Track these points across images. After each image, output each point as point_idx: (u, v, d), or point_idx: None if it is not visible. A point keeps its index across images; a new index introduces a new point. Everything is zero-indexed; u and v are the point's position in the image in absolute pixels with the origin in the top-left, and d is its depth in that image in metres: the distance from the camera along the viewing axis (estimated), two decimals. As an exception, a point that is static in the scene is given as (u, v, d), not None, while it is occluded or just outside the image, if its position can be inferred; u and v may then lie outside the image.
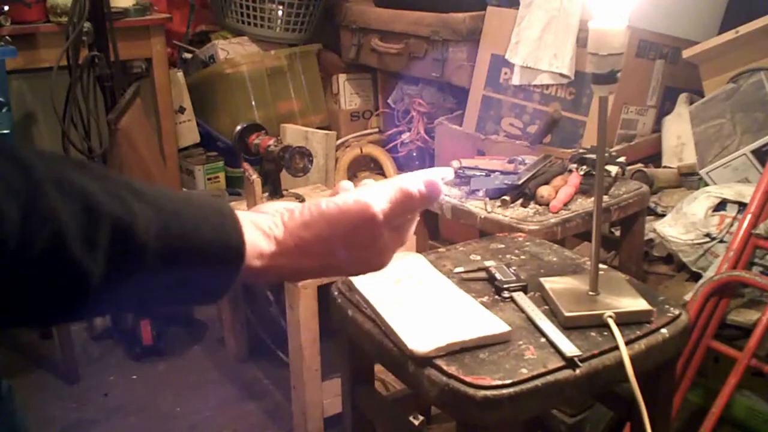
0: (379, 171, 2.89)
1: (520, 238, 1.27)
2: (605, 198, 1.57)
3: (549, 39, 2.17)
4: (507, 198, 1.56)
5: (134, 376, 2.25)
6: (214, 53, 2.90)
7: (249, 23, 2.87)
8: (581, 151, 1.70)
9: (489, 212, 1.54)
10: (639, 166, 1.99)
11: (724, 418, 1.47)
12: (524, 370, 0.86)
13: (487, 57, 2.36)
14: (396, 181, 0.69)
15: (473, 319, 0.94)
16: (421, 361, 0.89)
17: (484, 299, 1.03)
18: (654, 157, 2.17)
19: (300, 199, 2.26)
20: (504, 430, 0.89)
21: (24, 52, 2.25)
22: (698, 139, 1.96)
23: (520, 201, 1.58)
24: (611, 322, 0.93)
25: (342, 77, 3.00)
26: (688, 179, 2.00)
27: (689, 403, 1.56)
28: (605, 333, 0.93)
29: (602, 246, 1.82)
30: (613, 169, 1.65)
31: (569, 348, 0.89)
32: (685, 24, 2.19)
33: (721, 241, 1.65)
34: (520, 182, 1.59)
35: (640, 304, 0.98)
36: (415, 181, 0.69)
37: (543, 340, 0.93)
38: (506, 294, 1.04)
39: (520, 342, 0.92)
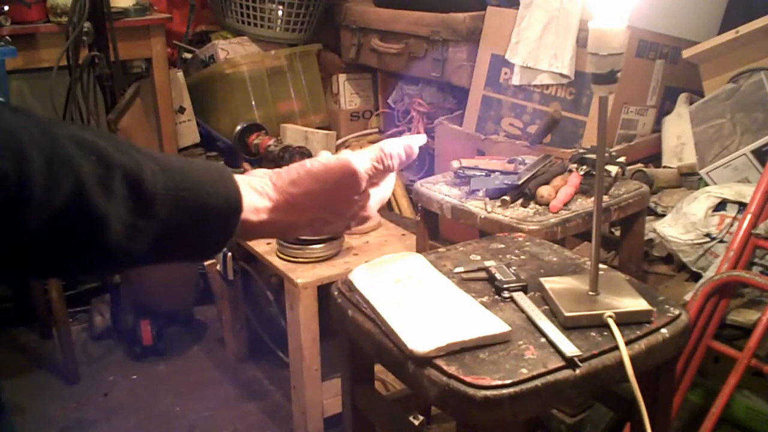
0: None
1: (520, 238, 1.27)
2: (605, 198, 1.57)
3: (549, 39, 2.17)
4: (507, 198, 1.56)
5: (134, 376, 2.26)
6: (214, 53, 2.90)
7: (249, 23, 2.87)
8: (581, 151, 1.69)
9: (489, 212, 1.54)
10: (639, 166, 1.99)
11: (724, 418, 1.47)
12: (524, 370, 0.86)
13: (487, 57, 2.36)
14: (376, 145, 0.77)
15: (473, 319, 0.94)
16: (421, 361, 0.89)
17: (484, 299, 1.03)
18: (654, 157, 2.17)
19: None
20: (504, 430, 0.88)
21: (24, 52, 2.25)
22: (698, 139, 1.96)
23: (520, 201, 1.58)
24: (611, 322, 0.93)
25: (342, 77, 3.00)
26: (688, 179, 2.00)
27: (689, 403, 1.56)
28: (605, 333, 0.93)
29: (602, 246, 1.82)
30: (613, 169, 1.64)
31: (569, 348, 0.89)
32: (685, 24, 2.19)
33: (721, 241, 1.65)
34: (520, 182, 1.59)
35: (640, 304, 0.98)
36: (393, 143, 0.78)
37: (543, 340, 0.93)
38: (506, 294, 1.04)
39: (520, 342, 0.92)
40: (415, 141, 0.82)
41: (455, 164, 1.70)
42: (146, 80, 2.69)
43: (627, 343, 0.92)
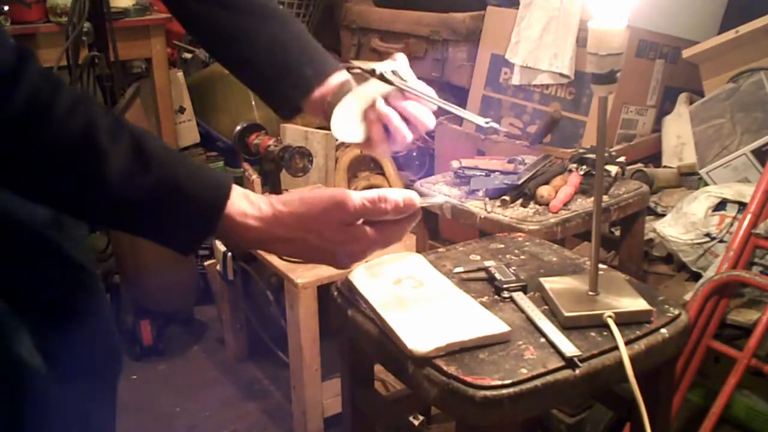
0: (379, 171, 2.88)
1: (520, 238, 1.27)
2: (605, 198, 1.57)
3: (549, 39, 2.17)
4: (507, 198, 1.56)
5: (134, 376, 2.25)
6: (214, 53, 2.89)
7: (249, 23, 2.86)
8: (581, 151, 1.69)
9: (489, 212, 1.54)
10: (639, 166, 1.99)
11: (724, 418, 1.47)
12: (524, 370, 0.86)
13: (487, 57, 2.36)
14: (384, 188, 0.83)
15: (473, 319, 0.94)
16: (420, 361, 0.89)
17: (484, 299, 1.03)
18: (654, 157, 2.17)
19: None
20: (504, 430, 0.88)
21: (24, 52, 2.25)
22: (698, 139, 1.96)
23: (519, 201, 1.58)
24: (611, 322, 0.93)
25: (342, 77, 2.99)
26: (688, 179, 2.00)
27: (689, 403, 1.56)
28: (605, 333, 0.93)
29: (602, 246, 1.82)
30: (613, 169, 1.64)
31: (569, 348, 0.89)
32: (685, 24, 2.19)
33: (721, 241, 1.65)
34: (520, 182, 1.59)
35: (640, 304, 0.98)
36: (397, 192, 0.81)
37: (543, 340, 0.93)
38: (506, 294, 1.04)
39: (520, 342, 0.92)
40: (426, 200, 0.89)
41: (455, 164, 1.70)
42: (146, 80, 2.69)
43: (627, 343, 0.92)
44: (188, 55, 2.98)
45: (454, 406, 0.87)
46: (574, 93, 2.17)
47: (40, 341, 1.01)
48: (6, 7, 2.31)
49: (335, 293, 1.10)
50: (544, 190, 1.56)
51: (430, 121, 0.93)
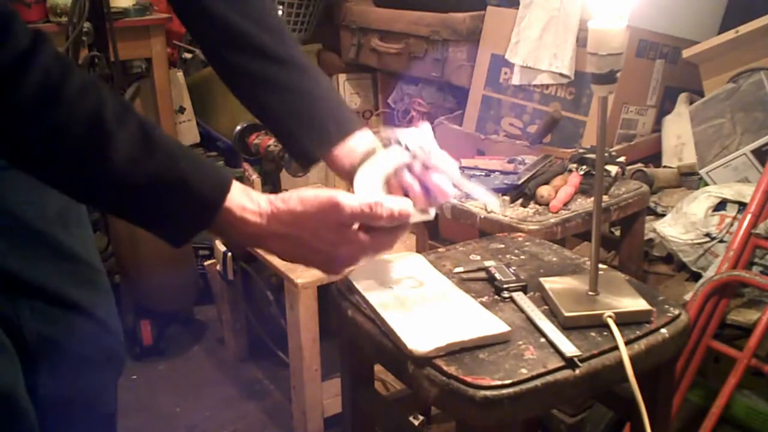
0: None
1: (520, 238, 1.27)
2: (605, 198, 1.57)
3: (549, 39, 2.17)
4: (507, 198, 1.56)
5: (134, 376, 2.25)
6: (214, 53, 2.89)
7: (249, 23, 2.86)
8: (581, 151, 1.70)
9: (489, 212, 1.54)
10: (639, 166, 1.99)
11: (724, 418, 1.47)
12: (524, 370, 0.86)
13: (487, 57, 2.36)
14: (384, 195, 0.87)
15: (473, 319, 0.94)
16: (420, 361, 0.89)
17: (484, 299, 1.03)
18: (654, 157, 2.17)
19: None
20: (504, 430, 0.88)
21: (24, 52, 2.25)
22: (698, 139, 1.96)
23: (519, 201, 1.58)
24: (611, 322, 0.93)
25: (342, 77, 3.00)
26: (688, 179, 2.00)
27: (689, 403, 1.56)
28: (605, 333, 0.93)
29: (602, 246, 1.82)
30: (613, 169, 1.65)
31: (569, 348, 0.89)
32: (685, 24, 2.19)
33: (721, 241, 1.65)
34: (520, 182, 1.59)
35: (640, 304, 0.98)
36: (394, 201, 0.84)
37: (543, 340, 0.93)
38: (506, 294, 1.04)
39: (520, 342, 0.92)
40: (419, 216, 0.92)
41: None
42: (146, 80, 2.69)
43: (627, 343, 0.92)
44: (188, 55, 2.98)
45: (454, 406, 0.87)
46: (574, 93, 2.17)
47: (43, 331, 1.02)
48: (6, 7, 2.30)
49: (335, 293, 1.10)
50: (544, 190, 1.56)
51: (449, 191, 0.95)
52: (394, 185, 0.95)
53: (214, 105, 2.90)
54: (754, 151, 1.78)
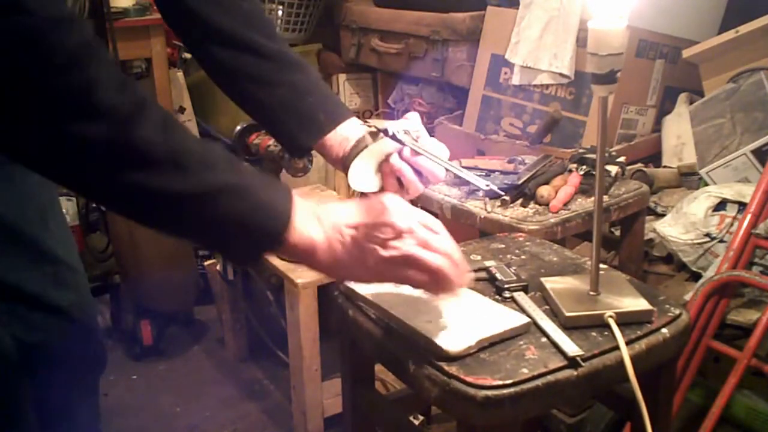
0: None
1: (520, 238, 1.27)
2: (605, 198, 1.57)
3: (549, 39, 2.17)
4: (507, 198, 1.56)
5: (134, 376, 2.25)
6: (214, 53, 2.89)
7: (249, 23, 2.86)
8: (581, 151, 1.70)
9: (489, 212, 1.54)
10: (639, 166, 1.99)
11: (724, 418, 1.47)
12: (525, 370, 0.86)
13: (487, 57, 2.36)
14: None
15: (491, 315, 0.95)
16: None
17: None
18: (654, 157, 2.17)
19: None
20: (505, 430, 0.88)
21: (24, 52, 2.25)
22: (698, 139, 1.96)
23: (520, 201, 1.58)
24: (612, 322, 0.93)
25: (342, 77, 3.00)
26: (688, 179, 2.00)
27: (689, 403, 1.56)
28: (606, 333, 0.94)
29: (602, 246, 1.81)
30: (613, 169, 1.65)
31: (571, 348, 0.89)
32: (685, 24, 2.19)
33: (721, 241, 1.65)
34: (520, 182, 1.59)
35: (640, 304, 0.98)
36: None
37: (543, 340, 0.93)
38: (507, 294, 1.04)
39: (521, 342, 0.92)
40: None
41: (455, 164, 1.69)
42: (146, 80, 2.68)
43: (627, 343, 0.92)
44: (188, 55, 2.98)
45: (454, 406, 0.87)
46: (574, 93, 2.17)
47: (22, 336, 1.02)
48: (6, 7, 2.30)
49: (336, 293, 1.10)
50: (544, 190, 1.56)
51: (440, 173, 0.98)
52: (386, 171, 0.98)
53: (214, 105, 2.90)
54: (754, 151, 1.78)
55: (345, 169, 1.00)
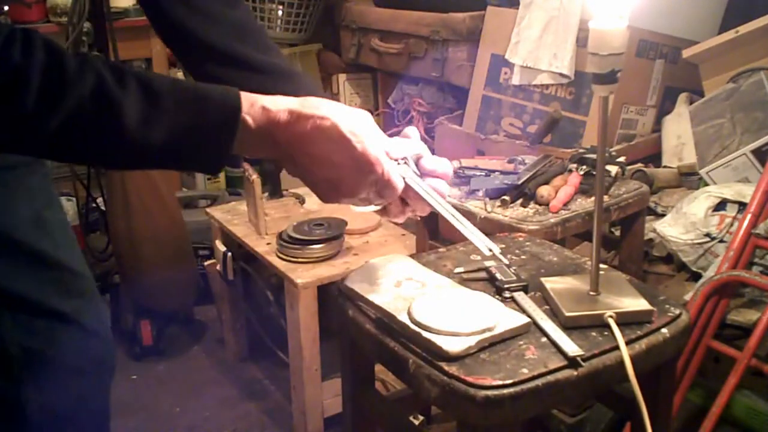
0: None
1: (520, 238, 1.27)
2: (605, 198, 1.57)
3: (549, 39, 2.17)
4: (507, 198, 1.56)
5: (134, 376, 2.26)
6: (213, 53, 2.89)
7: (249, 23, 2.86)
8: (581, 151, 1.69)
9: (489, 212, 1.54)
10: (639, 166, 1.99)
11: (724, 418, 1.47)
12: (525, 370, 0.86)
13: (487, 57, 2.36)
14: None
15: (491, 314, 0.94)
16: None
17: (485, 299, 1.03)
18: (654, 157, 2.17)
19: (300, 199, 2.27)
20: (505, 430, 0.88)
21: (24, 52, 2.25)
22: (698, 139, 1.96)
23: (519, 201, 1.58)
24: (612, 322, 0.93)
25: (342, 77, 3.00)
26: (688, 179, 2.00)
27: (689, 403, 1.56)
28: (606, 333, 0.93)
29: (602, 246, 1.81)
30: (613, 169, 1.64)
31: (572, 348, 0.89)
32: (685, 24, 2.19)
33: (721, 241, 1.65)
34: (520, 182, 1.59)
35: (640, 303, 0.98)
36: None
37: (543, 339, 0.93)
38: (507, 294, 1.04)
39: (521, 342, 0.92)
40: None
41: (455, 164, 1.69)
42: (146, 80, 2.68)
43: (627, 343, 0.92)
44: (188, 55, 2.98)
45: (454, 406, 0.87)
46: (574, 93, 2.17)
47: (26, 343, 1.01)
48: (6, 7, 2.31)
49: (336, 293, 1.10)
50: (544, 190, 1.56)
51: (445, 191, 0.97)
52: None
53: (213, 105, 2.90)
54: (754, 151, 1.78)
55: None
